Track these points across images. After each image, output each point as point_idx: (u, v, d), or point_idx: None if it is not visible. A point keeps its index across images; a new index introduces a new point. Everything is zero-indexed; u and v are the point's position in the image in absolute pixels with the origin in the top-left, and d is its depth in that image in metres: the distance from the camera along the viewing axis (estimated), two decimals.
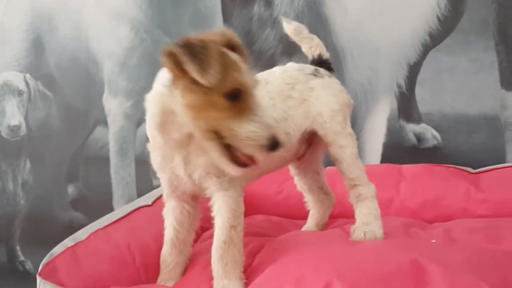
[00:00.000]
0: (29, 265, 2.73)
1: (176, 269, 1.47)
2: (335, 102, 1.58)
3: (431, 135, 2.34)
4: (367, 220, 1.52)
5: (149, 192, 2.04)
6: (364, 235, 1.48)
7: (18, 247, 2.75)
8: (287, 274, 1.24)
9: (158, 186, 2.72)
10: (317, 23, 2.15)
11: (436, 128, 2.34)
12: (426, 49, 2.31)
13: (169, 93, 1.28)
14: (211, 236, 1.70)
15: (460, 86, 2.29)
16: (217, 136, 1.24)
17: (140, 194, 2.61)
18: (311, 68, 1.63)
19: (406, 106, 2.37)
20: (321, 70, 1.64)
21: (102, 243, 1.50)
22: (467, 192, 1.93)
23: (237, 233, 1.35)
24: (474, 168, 2.05)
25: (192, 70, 1.20)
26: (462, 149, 2.30)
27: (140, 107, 2.63)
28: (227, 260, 1.33)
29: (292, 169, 1.75)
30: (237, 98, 1.23)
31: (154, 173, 2.73)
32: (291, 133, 1.52)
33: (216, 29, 1.39)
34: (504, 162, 2.20)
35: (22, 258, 2.74)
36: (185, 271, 1.49)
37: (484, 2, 2.25)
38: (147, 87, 2.58)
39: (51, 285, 1.25)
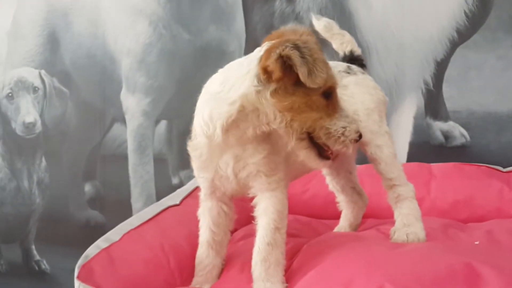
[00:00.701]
0: (44, 265, 2.69)
1: (212, 271, 1.44)
2: (370, 100, 1.54)
3: (459, 133, 2.30)
4: (408, 221, 1.48)
5: (168, 190, 2.00)
6: (407, 237, 1.44)
7: (33, 247, 2.71)
8: (334, 278, 1.21)
9: (177, 184, 2.72)
10: (341, 19, 2.11)
11: (464, 126, 2.30)
12: (454, 45, 2.27)
13: (257, 92, 1.26)
14: (243, 238, 1.69)
15: (488, 84, 2.25)
16: (308, 134, 1.26)
17: (158, 192, 2.59)
18: (344, 65, 1.60)
19: (433, 103, 2.33)
20: (354, 67, 1.60)
21: (136, 244, 1.46)
22: (500, 192, 1.90)
23: (281, 235, 1.32)
24: (504, 167, 2.02)
25: (303, 72, 1.21)
26: (491, 148, 2.27)
27: (159, 104, 2.66)
28: (270, 263, 1.30)
29: (324, 169, 1.72)
30: (330, 97, 1.26)
31: (174, 171, 2.74)
32: None
33: (289, 27, 1.36)
34: None
35: (37, 257, 2.70)
36: (221, 274, 1.46)
37: None
38: (166, 83, 2.59)
39: None
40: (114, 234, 1.48)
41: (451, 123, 2.32)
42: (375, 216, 1.86)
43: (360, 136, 1.29)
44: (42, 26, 2.75)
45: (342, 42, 1.66)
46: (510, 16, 2.22)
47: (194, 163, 1.39)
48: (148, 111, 2.61)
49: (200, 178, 1.40)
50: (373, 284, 1.13)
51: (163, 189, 2.54)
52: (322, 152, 1.29)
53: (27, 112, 2.64)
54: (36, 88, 2.67)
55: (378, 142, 1.51)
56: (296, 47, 1.21)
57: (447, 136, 2.33)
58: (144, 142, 2.62)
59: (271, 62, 1.23)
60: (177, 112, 2.67)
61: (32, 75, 2.68)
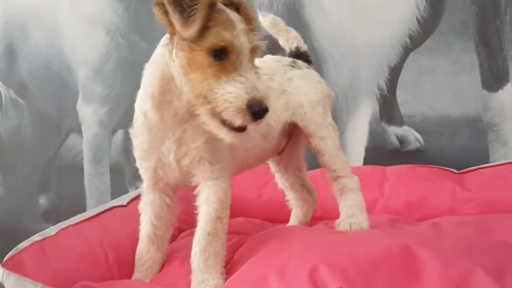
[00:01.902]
0: None
1: (153, 266, 1.39)
2: (314, 93, 1.54)
3: (414, 138, 2.30)
4: (352, 213, 1.46)
5: None
6: (350, 226, 1.42)
7: None
8: (269, 263, 1.17)
9: None
10: (297, 26, 2.10)
11: (418, 130, 2.30)
12: (407, 51, 2.29)
13: (168, 55, 1.21)
14: (189, 235, 1.64)
15: (441, 88, 2.27)
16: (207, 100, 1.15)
17: None
18: (289, 59, 1.60)
19: (388, 108, 2.34)
20: (299, 61, 1.60)
21: (72, 239, 1.41)
22: (452, 192, 1.89)
23: (222, 226, 1.28)
24: (458, 170, 2.01)
25: (176, 20, 1.13)
26: (445, 151, 2.27)
27: (116, 113, 2.62)
28: (210, 253, 1.26)
29: (272, 166, 1.69)
30: (223, 57, 1.15)
31: (131, 181, 2.69)
32: (272, 124, 1.47)
33: None
34: (487, 163, 2.17)
35: None
36: (161, 269, 1.41)
37: (463, 3, 2.25)
38: (123, 92, 2.56)
39: (15, 276, 1.16)
40: (50, 230, 1.43)
41: (405, 127, 2.32)
42: (329, 219, 1.83)
43: (260, 109, 1.12)
44: None
45: (288, 38, 1.66)
46: (462, 21, 2.25)
47: (136, 152, 1.35)
48: (104, 121, 2.57)
49: (142, 168, 1.36)
50: (307, 265, 1.10)
51: None
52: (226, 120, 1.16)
53: None
54: None
55: (322, 134, 1.50)
56: None
57: (402, 140, 2.33)
58: (100, 152, 2.58)
59: (156, 12, 1.16)
60: None
61: None
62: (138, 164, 1.38)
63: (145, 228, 1.40)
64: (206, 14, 1.14)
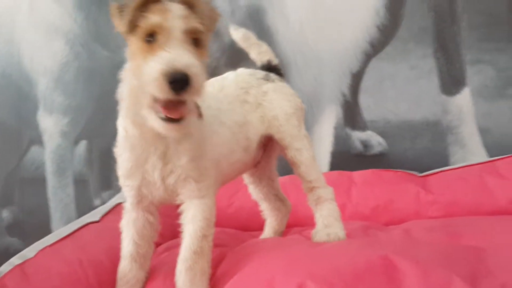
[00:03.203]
0: None
1: (136, 285, 1.39)
2: (289, 106, 1.57)
3: (377, 142, 2.37)
4: (329, 222, 1.50)
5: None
6: (328, 236, 1.46)
7: None
8: (256, 279, 1.19)
9: (100, 205, 2.63)
10: (260, 34, 2.14)
11: (381, 134, 2.37)
12: (368, 57, 2.36)
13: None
14: (167, 249, 1.65)
15: (402, 93, 2.34)
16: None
17: (80, 215, 2.48)
18: (262, 73, 1.62)
19: (351, 114, 2.40)
20: (272, 75, 1.63)
21: (52, 260, 1.40)
22: (417, 195, 1.96)
23: (208, 244, 1.30)
24: (420, 172, 2.09)
25: (116, 22, 1.19)
26: (407, 154, 2.35)
27: (78, 123, 2.58)
28: (196, 271, 1.27)
29: (246, 177, 1.72)
30: (153, 40, 1.17)
31: (96, 192, 2.66)
32: (251, 138, 1.49)
33: None
34: (447, 165, 2.26)
35: None
36: (144, 287, 1.41)
37: (421, 10, 2.32)
38: (85, 102, 2.53)
39: None
40: (29, 251, 1.41)
41: (369, 132, 2.38)
42: (301, 225, 1.87)
43: (177, 77, 1.10)
44: None
45: (259, 52, 1.68)
46: (420, 28, 2.33)
47: (120, 171, 1.34)
48: (66, 132, 2.53)
49: (126, 186, 1.35)
50: (294, 280, 1.13)
51: (84, 212, 2.43)
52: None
53: None
54: None
55: (297, 145, 1.53)
56: (122, 4, 1.20)
57: (365, 145, 2.39)
58: (63, 163, 2.53)
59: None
60: (97, 131, 2.61)
61: None
62: (121, 182, 1.37)
63: (127, 247, 1.39)
64: (136, 7, 1.18)
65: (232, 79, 1.55)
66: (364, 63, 2.35)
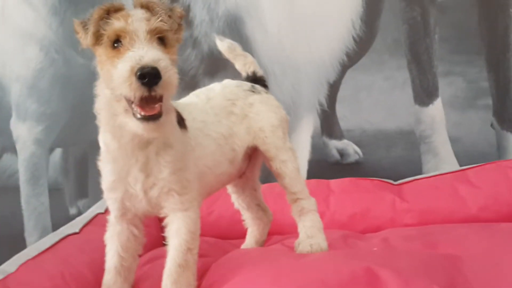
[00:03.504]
0: None
1: None
2: (274, 117, 1.59)
3: (353, 151, 2.42)
4: (312, 233, 1.53)
5: (65, 222, 1.92)
6: (311, 247, 1.48)
7: None
8: None
9: (75, 214, 2.60)
10: (239, 43, 2.15)
11: (357, 143, 2.42)
12: (344, 68, 2.41)
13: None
14: (150, 261, 1.65)
15: (377, 103, 2.40)
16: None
17: (55, 225, 2.46)
18: (248, 84, 1.64)
19: (328, 123, 2.44)
20: (257, 86, 1.65)
21: (34, 274, 1.38)
22: (392, 203, 2.01)
23: (193, 257, 1.30)
24: (395, 180, 2.14)
25: (81, 37, 1.22)
26: (382, 163, 2.40)
27: (53, 131, 2.55)
28: (181, 285, 1.28)
29: (230, 187, 1.73)
30: (119, 45, 1.19)
31: (71, 200, 2.63)
32: (237, 149, 1.51)
33: None
34: (420, 173, 2.32)
35: None
36: None
37: (395, 23, 2.38)
38: (59, 109, 2.49)
39: None
40: (9, 266, 1.39)
41: (345, 141, 2.43)
42: (279, 233, 1.90)
43: (146, 72, 1.12)
44: None
45: (245, 63, 1.70)
46: (394, 40, 2.39)
47: (103, 184, 1.34)
48: (40, 139, 2.50)
49: (110, 199, 1.35)
50: None
51: (60, 221, 2.41)
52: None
53: None
54: None
55: (282, 157, 1.55)
56: (83, 19, 1.23)
57: (342, 153, 2.44)
58: (38, 171, 2.50)
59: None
60: (73, 139, 2.58)
61: None
62: (105, 195, 1.37)
63: (111, 260, 1.39)
64: (98, 18, 1.21)
65: (219, 91, 1.56)
66: (340, 73, 2.40)
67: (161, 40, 1.20)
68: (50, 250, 1.53)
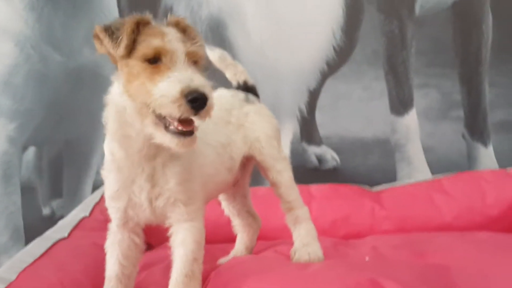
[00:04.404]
0: None
1: None
2: (269, 127, 1.62)
3: (331, 157, 2.49)
4: (307, 242, 1.57)
5: (38, 222, 1.90)
6: (309, 256, 1.53)
7: None
8: None
9: (49, 215, 2.55)
10: (221, 47, 2.17)
11: (335, 150, 2.49)
12: (324, 76, 2.47)
13: (117, 86, 1.25)
14: (145, 268, 1.65)
15: (355, 112, 2.47)
16: (150, 110, 1.18)
17: (27, 225, 2.41)
18: (242, 94, 1.66)
19: (308, 129, 2.50)
20: (251, 96, 1.68)
21: (34, 282, 1.37)
22: (372, 210, 2.09)
23: (199, 266, 1.32)
24: (370, 186, 2.22)
25: (107, 44, 1.20)
26: (359, 170, 2.48)
27: (26, 129, 2.48)
28: None
29: (221, 194, 1.75)
30: (157, 62, 1.20)
31: (45, 200, 2.57)
32: (235, 158, 1.53)
33: None
34: (395, 180, 2.42)
35: None
36: None
37: (374, 35, 2.46)
38: (34, 107, 2.43)
39: None
40: (9, 273, 1.37)
41: (324, 147, 2.49)
42: (264, 238, 1.93)
43: (196, 96, 1.14)
44: None
45: (235, 73, 1.72)
46: (373, 50, 2.47)
47: (107, 192, 1.34)
48: (14, 137, 2.43)
49: (112, 208, 1.35)
50: None
51: (32, 221, 2.38)
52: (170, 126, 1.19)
53: None
54: None
55: (278, 167, 1.59)
56: (107, 25, 1.22)
57: (320, 159, 2.50)
58: (10, 170, 2.43)
59: (96, 44, 1.23)
60: (47, 137, 2.52)
61: None
62: (107, 204, 1.37)
63: (112, 268, 1.39)
64: (131, 31, 1.21)
65: (215, 100, 1.58)
66: (320, 81, 2.46)
67: (194, 63, 1.22)
68: (45, 256, 1.52)
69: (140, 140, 1.26)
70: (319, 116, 2.50)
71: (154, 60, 1.20)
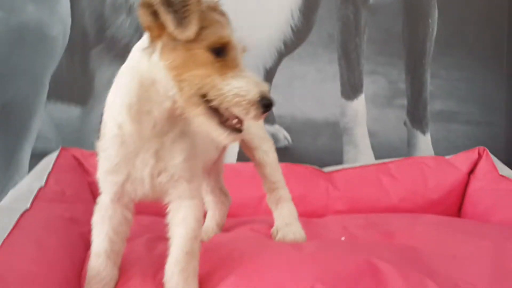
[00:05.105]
0: None
1: (110, 283, 1.34)
2: None
3: (283, 136, 2.52)
4: (289, 221, 1.60)
5: None
6: (294, 235, 1.56)
7: None
8: (262, 281, 1.25)
9: None
10: None
11: (287, 129, 2.52)
12: (281, 56, 2.48)
13: (147, 60, 1.17)
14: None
15: (308, 93, 2.52)
16: (204, 100, 1.14)
17: None
18: None
19: None
20: None
21: (17, 258, 1.27)
22: (326, 190, 2.16)
23: (198, 244, 1.30)
24: (320, 167, 2.29)
25: (170, 21, 1.10)
26: (308, 150, 2.53)
27: None
28: (189, 272, 1.27)
29: None
30: (223, 54, 1.15)
31: None
32: None
33: None
34: (341, 163, 2.51)
35: None
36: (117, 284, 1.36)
37: (330, 18, 2.51)
38: None
39: None
40: None
41: (276, 126, 2.52)
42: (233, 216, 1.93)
43: (268, 102, 1.13)
44: None
45: None
46: (329, 34, 2.52)
47: (103, 166, 1.27)
48: None
49: (108, 182, 1.28)
50: (304, 285, 1.21)
51: None
52: (225, 121, 1.16)
53: None
54: None
55: (265, 147, 1.60)
56: None
57: (273, 138, 2.52)
58: None
59: (140, 13, 1.14)
60: None
61: None
62: (101, 178, 1.30)
63: (101, 244, 1.33)
64: (200, 14, 1.14)
65: None
66: (277, 60, 2.47)
67: None
68: (16, 229, 1.41)
69: (160, 117, 1.21)
70: (273, 95, 2.45)
71: (220, 51, 1.14)
